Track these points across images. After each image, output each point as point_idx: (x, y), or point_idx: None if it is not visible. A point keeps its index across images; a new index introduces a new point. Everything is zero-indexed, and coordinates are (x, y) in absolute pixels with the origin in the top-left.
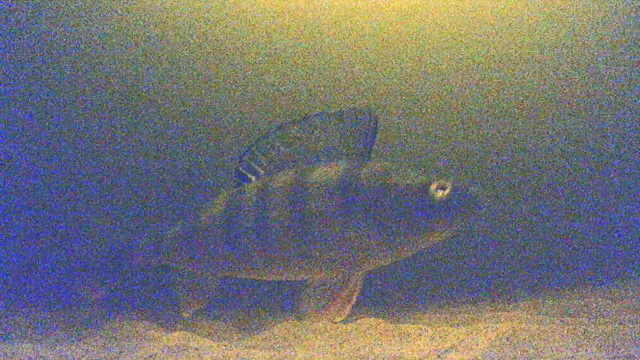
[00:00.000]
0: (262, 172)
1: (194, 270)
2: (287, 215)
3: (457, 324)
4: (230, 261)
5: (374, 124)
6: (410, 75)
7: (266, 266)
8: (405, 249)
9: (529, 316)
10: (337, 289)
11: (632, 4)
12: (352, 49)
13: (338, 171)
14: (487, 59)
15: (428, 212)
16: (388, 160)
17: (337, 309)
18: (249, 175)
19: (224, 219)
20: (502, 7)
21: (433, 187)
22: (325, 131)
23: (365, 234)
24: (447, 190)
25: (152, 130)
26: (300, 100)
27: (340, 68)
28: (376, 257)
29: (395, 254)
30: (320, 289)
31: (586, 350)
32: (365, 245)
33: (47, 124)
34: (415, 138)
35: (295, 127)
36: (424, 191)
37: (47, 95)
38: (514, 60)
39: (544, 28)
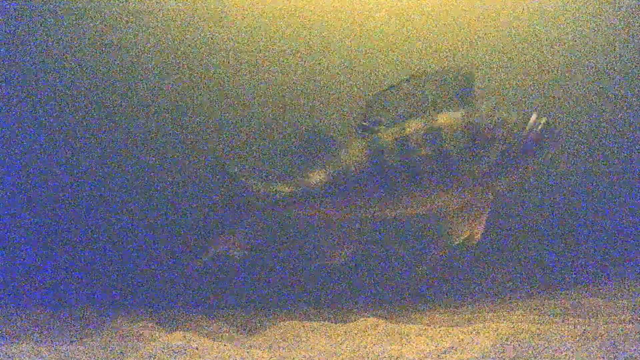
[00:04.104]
0: (386, 122)
1: (338, 215)
2: (429, 153)
3: (457, 324)
4: (380, 200)
5: (472, 79)
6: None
7: (413, 199)
8: (523, 172)
9: (529, 316)
10: (474, 211)
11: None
12: (353, 47)
13: (459, 115)
14: (487, 57)
15: (538, 140)
16: (485, 103)
17: (477, 229)
18: (375, 127)
19: (369, 163)
20: (503, 6)
21: (533, 119)
22: (429, 87)
23: (493, 163)
24: (544, 119)
25: (153, 130)
26: (302, 99)
27: (341, 67)
28: (503, 180)
29: (516, 177)
30: (461, 215)
31: (586, 350)
32: (494, 171)
33: (47, 123)
34: None
35: (405, 85)
36: (530, 124)
37: (48, 95)
38: (515, 61)
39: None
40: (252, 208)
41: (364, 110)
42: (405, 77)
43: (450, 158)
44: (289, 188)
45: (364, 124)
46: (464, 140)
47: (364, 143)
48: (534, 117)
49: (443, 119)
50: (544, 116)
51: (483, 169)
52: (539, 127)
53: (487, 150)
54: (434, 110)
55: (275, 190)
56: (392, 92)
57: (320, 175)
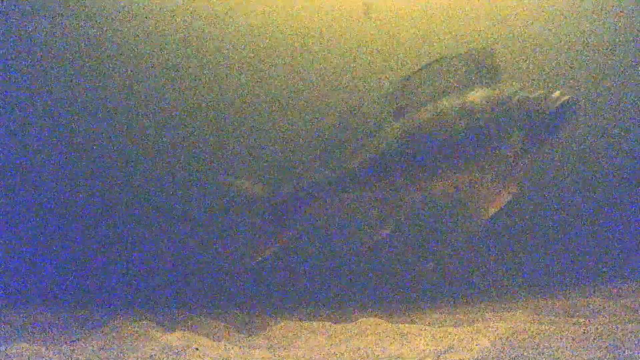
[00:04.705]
0: (420, 101)
1: (379, 194)
2: (462, 128)
3: (457, 324)
4: (416, 178)
5: (495, 60)
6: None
7: (447, 174)
8: (545, 146)
9: (529, 316)
10: (498, 187)
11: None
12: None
13: (488, 93)
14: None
15: (557, 115)
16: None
17: (498, 202)
18: (408, 107)
19: (403, 142)
20: (503, 7)
21: (556, 94)
22: (458, 67)
23: (521, 138)
24: (566, 96)
25: (154, 130)
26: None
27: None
28: (529, 154)
29: (539, 151)
30: (487, 190)
31: (586, 350)
32: (522, 145)
33: (47, 123)
34: None
35: (434, 66)
36: (552, 99)
37: (50, 95)
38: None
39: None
40: (291, 204)
41: (396, 91)
42: (434, 60)
43: (481, 133)
44: (327, 175)
45: (398, 104)
46: (494, 116)
47: (397, 125)
48: (557, 93)
49: (473, 96)
50: (567, 94)
51: (512, 143)
52: (560, 103)
53: (515, 125)
54: (463, 89)
55: (305, 184)
56: (422, 73)
57: (356, 160)
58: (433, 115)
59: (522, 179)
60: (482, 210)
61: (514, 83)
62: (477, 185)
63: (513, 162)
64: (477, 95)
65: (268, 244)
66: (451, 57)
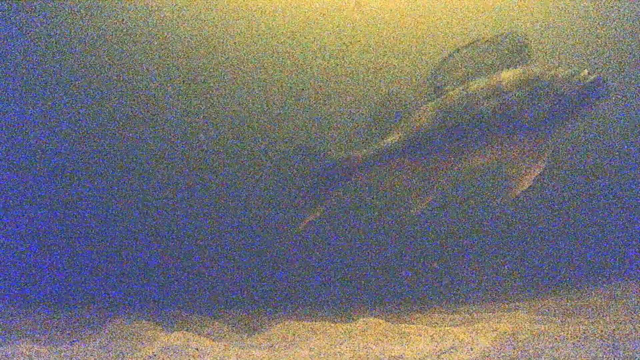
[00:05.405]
0: (454, 82)
1: (414, 170)
2: (492, 105)
3: (457, 324)
4: (447, 149)
5: (527, 43)
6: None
7: (479, 149)
8: (571, 122)
9: (529, 316)
10: (529, 163)
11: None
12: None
13: (518, 72)
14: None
15: (583, 93)
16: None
17: (526, 180)
18: (444, 88)
19: (439, 120)
20: (502, 5)
21: (584, 73)
22: (489, 50)
23: (548, 113)
24: (594, 75)
25: (152, 130)
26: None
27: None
28: (556, 130)
29: (565, 127)
30: (516, 166)
31: (586, 350)
32: (549, 121)
33: (47, 123)
34: None
35: (467, 49)
36: (580, 77)
37: (51, 95)
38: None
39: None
40: (336, 175)
41: (433, 73)
42: (466, 43)
43: (510, 109)
44: (368, 151)
45: (435, 84)
46: (524, 94)
47: (433, 104)
48: (584, 72)
49: (504, 75)
50: (595, 74)
51: (540, 118)
52: (587, 81)
53: (544, 103)
54: (495, 69)
55: (353, 156)
56: (456, 56)
57: (395, 136)
58: (466, 94)
59: (549, 156)
60: (511, 187)
61: (544, 63)
62: (506, 162)
63: (541, 139)
64: (508, 75)
65: (312, 211)
66: (484, 40)
